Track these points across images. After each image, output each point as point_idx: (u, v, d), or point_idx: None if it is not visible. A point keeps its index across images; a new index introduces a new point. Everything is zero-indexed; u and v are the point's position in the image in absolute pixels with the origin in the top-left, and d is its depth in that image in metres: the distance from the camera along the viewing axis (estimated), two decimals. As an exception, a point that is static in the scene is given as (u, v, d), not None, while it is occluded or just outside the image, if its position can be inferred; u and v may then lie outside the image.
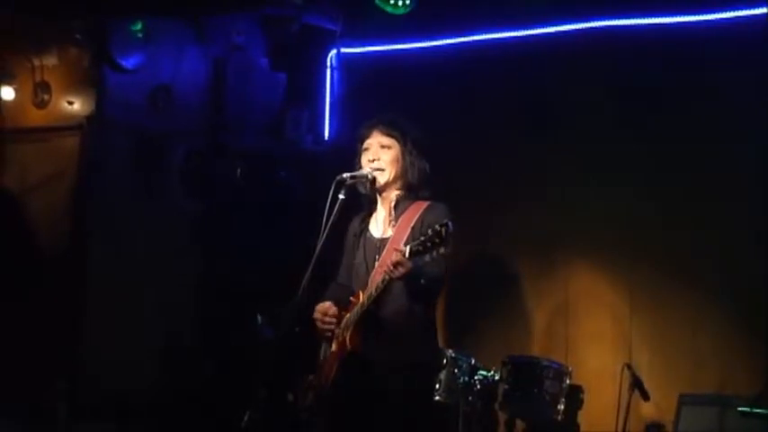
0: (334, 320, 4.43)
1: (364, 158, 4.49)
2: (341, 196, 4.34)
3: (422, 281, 4.18)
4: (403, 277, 4.10)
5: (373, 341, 4.31)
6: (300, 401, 4.56)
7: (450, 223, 3.94)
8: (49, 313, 6.62)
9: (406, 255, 4.02)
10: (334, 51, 7.88)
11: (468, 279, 6.95)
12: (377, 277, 4.30)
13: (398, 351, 4.29)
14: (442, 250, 3.96)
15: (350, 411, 4.38)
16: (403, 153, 4.45)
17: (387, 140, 4.46)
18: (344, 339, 4.35)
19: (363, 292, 4.34)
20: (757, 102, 6.19)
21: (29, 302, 6.60)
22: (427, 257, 3.99)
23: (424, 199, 4.46)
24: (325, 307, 4.47)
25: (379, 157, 4.44)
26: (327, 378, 4.42)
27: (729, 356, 6.20)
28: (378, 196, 4.53)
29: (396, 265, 4.05)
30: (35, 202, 6.95)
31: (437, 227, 3.95)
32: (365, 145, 4.51)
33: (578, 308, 6.82)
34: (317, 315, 4.48)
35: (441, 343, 5.08)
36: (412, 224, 4.37)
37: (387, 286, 4.22)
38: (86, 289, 6.73)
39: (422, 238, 3.98)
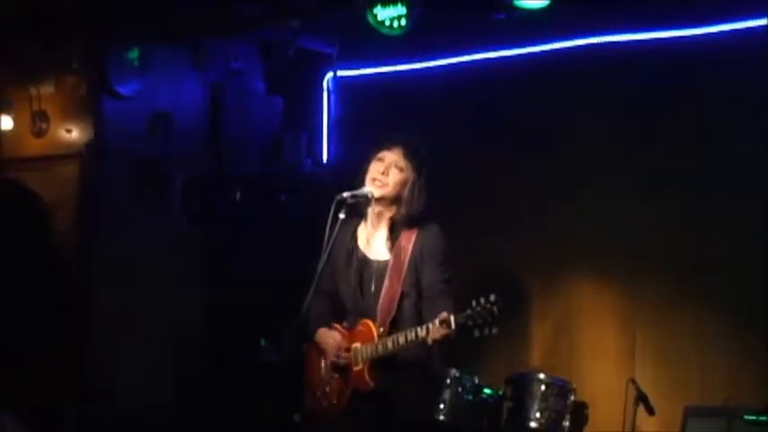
0: (349, 354, 4.39)
1: (374, 168, 4.43)
2: (341, 215, 4.32)
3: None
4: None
5: (389, 374, 4.31)
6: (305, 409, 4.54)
7: (499, 299, 3.90)
8: (53, 340, 6.61)
9: (452, 325, 4.00)
10: (330, 74, 7.90)
11: (469, 297, 6.92)
12: (385, 305, 4.31)
13: (412, 377, 4.34)
14: (494, 330, 3.92)
15: None
16: (413, 182, 4.41)
17: (403, 163, 4.41)
18: (362, 374, 4.32)
19: (375, 325, 4.31)
20: (759, 112, 6.19)
21: (34, 330, 6.59)
22: (476, 333, 3.94)
23: (417, 222, 4.43)
24: (338, 343, 4.41)
25: (389, 174, 4.40)
26: (339, 404, 4.40)
27: (735, 369, 6.18)
28: (371, 209, 4.49)
29: (442, 337, 4.05)
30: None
31: (487, 304, 3.92)
32: (380, 155, 4.45)
33: (582, 324, 6.79)
34: (331, 357, 4.41)
35: (444, 362, 5.06)
36: (410, 252, 4.36)
37: (402, 312, 4.26)
38: (91, 314, 6.72)
39: (469, 312, 3.96)
